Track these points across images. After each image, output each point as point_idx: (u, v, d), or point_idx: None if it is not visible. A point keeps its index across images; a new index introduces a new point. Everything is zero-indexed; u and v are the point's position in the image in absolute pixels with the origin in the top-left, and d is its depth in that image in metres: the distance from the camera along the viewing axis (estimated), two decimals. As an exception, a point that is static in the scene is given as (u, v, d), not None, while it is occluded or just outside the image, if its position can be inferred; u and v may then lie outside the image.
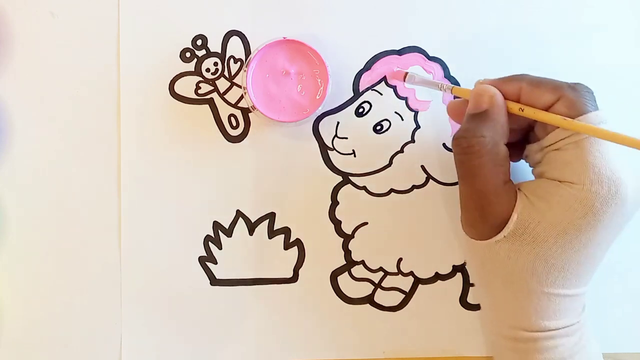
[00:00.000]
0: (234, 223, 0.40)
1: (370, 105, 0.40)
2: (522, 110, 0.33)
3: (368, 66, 0.40)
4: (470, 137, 0.33)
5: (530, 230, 0.32)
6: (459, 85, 0.40)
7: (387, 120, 0.40)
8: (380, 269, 0.40)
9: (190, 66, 0.40)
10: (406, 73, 0.39)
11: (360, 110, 0.40)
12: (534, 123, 0.34)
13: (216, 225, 0.40)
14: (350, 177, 0.40)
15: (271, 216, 0.40)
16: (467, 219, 0.35)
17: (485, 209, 0.33)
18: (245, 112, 0.40)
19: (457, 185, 0.40)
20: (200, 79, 0.40)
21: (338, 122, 0.40)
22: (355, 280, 0.40)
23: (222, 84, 0.40)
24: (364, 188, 0.40)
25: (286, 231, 0.40)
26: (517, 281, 0.33)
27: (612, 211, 0.31)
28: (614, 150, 0.31)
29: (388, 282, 0.40)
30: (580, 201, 0.31)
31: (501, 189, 0.33)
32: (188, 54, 0.40)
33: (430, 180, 0.40)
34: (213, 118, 0.40)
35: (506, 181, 0.33)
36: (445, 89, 0.37)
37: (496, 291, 0.34)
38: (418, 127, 0.40)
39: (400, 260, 0.40)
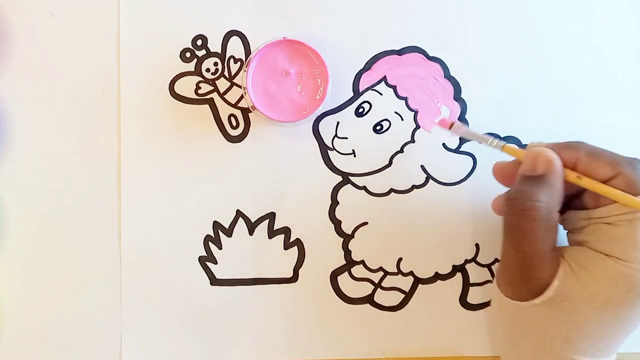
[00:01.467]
0: (234, 223, 0.40)
1: (370, 105, 0.40)
2: (580, 179, 0.32)
3: (368, 66, 0.40)
4: (526, 200, 0.32)
5: (571, 299, 0.31)
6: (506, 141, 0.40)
7: (387, 120, 0.40)
8: (380, 268, 0.40)
9: (190, 66, 0.40)
10: (452, 123, 0.37)
11: (360, 110, 0.40)
12: (582, 191, 0.34)
13: (216, 225, 0.40)
14: (350, 177, 0.40)
15: (271, 216, 0.40)
16: (506, 278, 0.34)
17: (528, 272, 0.32)
18: (245, 112, 0.40)
19: (457, 187, 0.40)
20: (200, 79, 0.40)
21: (338, 122, 0.40)
22: (355, 280, 0.40)
23: (222, 84, 0.40)
24: (364, 188, 0.40)
25: (286, 231, 0.40)
26: (548, 346, 0.32)
27: None
28: None
29: (388, 282, 0.40)
30: (626, 278, 0.31)
31: (547, 255, 0.32)
32: (188, 54, 0.40)
33: (430, 180, 0.40)
34: (213, 118, 0.40)
35: (553, 247, 0.33)
36: (495, 146, 0.35)
37: (524, 352, 0.34)
38: (418, 127, 0.40)
39: (400, 260, 0.40)
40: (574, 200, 0.35)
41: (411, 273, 0.40)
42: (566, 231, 0.36)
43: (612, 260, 0.31)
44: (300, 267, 0.40)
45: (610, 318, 0.31)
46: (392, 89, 0.40)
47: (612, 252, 0.32)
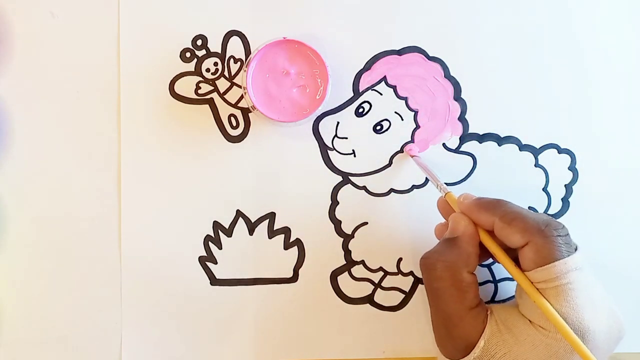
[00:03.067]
0: (234, 223, 0.40)
1: (370, 105, 0.40)
2: (495, 257, 0.34)
3: (368, 66, 0.40)
4: (434, 260, 0.33)
5: (496, 359, 0.32)
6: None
7: (387, 120, 0.40)
8: (380, 268, 0.40)
9: (190, 66, 0.40)
10: (413, 155, 0.39)
11: (360, 110, 0.40)
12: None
13: (216, 225, 0.40)
14: (350, 177, 0.40)
15: (271, 216, 0.40)
16: (436, 338, 0.35)
17: (451, 331, 0.33)
18: (245, 112, 0.40)
19: (457, 187, 0.40)
20: (200, 79, 0.40)
21: (338, 122, 0.40)
22: (355, 280, 0.40)
23: (222, 84, 0.40)
24: (364, 188, 0.40)
25: (286, 231, 0.40)
26: None
27: (577, 357, 0.31)
28: (585, 299, 0.31)
29: (388, 282, 0.40)
30: (546, 345, 0.31)
31: (465, 314, 0.33)
32: (188, 54, 0.40)
33: (431, 180, 0.40)
34: (213, 118, 0.40)
35: (472, 307, 0.33)
36: (441, 190, 0.37)
37: None
38: (418, 127, 0.40)
39: (400, 260, 0.40)
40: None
41: (411, 273, 0.40)
42: None
43: (534, 327, 0.32)
44: (300, 267, 0.40)
45: None
46: (392, 89, 0.40)
47: (533, 318, 0.32)
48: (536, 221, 0.32)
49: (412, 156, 0.40)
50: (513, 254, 0.33)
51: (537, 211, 0.40)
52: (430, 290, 0.34)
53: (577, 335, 0.30)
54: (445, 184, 0.40)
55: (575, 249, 0.32)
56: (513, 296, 0.37)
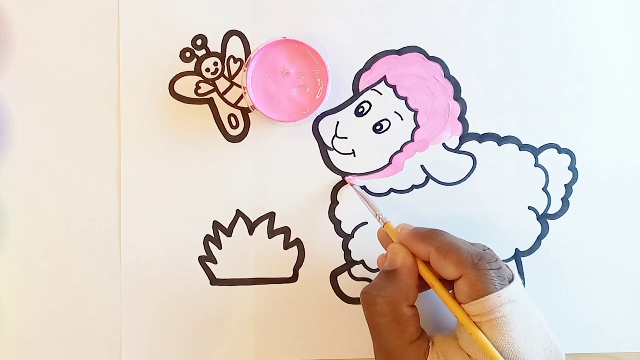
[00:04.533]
0: (234, 223, 0.40)
1: (370, 105, 0.40)
2: (433, 286, 0.33)
3: (368, 66, 0.40)
4: (374, 295, 0.33)
5: None
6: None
7: (387, 120, 0.40)
8: (380, 269, 0.40)
9: (190, 66, 0.40)
10: (352, 184, 0.39)
11: (360, 110, 0.40)
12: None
13: (216, 225, 0.40)
14: (351, 177, 0.40)
15: (271, 216, 0.40)
16: None
17: None
18: (245, 112, 0.40)
19: (457, 186, 0.40)
20: (200, 79, 0.40)
21: (338, 122, 0.40)
22: (355, 280, 0.40)
23: (222, 84, 0.40)
24: (364, 188, 0.40)
25: (286, 231, 0.40)
26: None
27: None
28: (520, 331, 0.31)
29: (388, 282, 0.40)
30: None
31: (407, 348, 0.32)
32: (188, 54, 0.40)
33: (430, 180, 0.40)
34: (213, 118, 0.40)
35: (413, 340, 0.33)
36: (380, 220, 0.36)
37: None
38: (418, 127, 0.40)
39: (400, 260, 0.40)
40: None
41: (411, 273, 0.40)
42: None
43: None
44: (300, 267, 0.40)
45: None
46: (392, 89, 0.40)
47: (471, 353, 0.32)
48: (470, 254, 0.32)
49: (351, 185, 0.39)
50: (451, 286, 0.33)
51: (537, 211, 0.40)
52: (371, 326, 0.33)
53: None
54: (445, 183, 0.40)
55: (511, 281, 0.32)
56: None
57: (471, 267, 0.31)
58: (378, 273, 0.35)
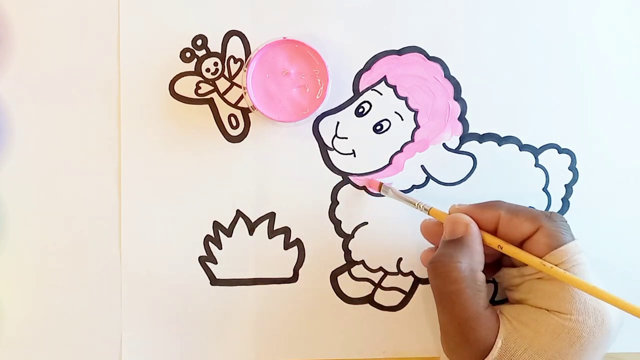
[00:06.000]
0: (234, 223, 0.40)
1: (370, 105, 0.40)
2: (501, 248, 0.34)
3: (368, 66, 0.40)
4: (447, 263, 0.33)
5: (517, 357, 0.31)
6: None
7: (387, 120, 0.40)
8: (380, 268, 0.40)
9: (190, 66, 0.40)
10: (381, 183, 0.39)
11: (360, 110, 0.40)
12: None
13: (216, 225, 0.40)
14: (350, 177, 0.40)
15: (271, 216, 0.40)
16: (448, 344, 0.34)
17: (467, 335, 0.32)
18: (245, 112, 0.40)
19: (457, 186, 0.40)
20: (200, 79, 0.40)
21: (338, 122, 0.40)
22: (355, 280, 0.40)
23: (222, 84, 0.40)
24: (364, 188, 0.40)
25: (286, 231, 0.40)
26: None
27: (598, 340, 0.31)
28: (595, 279, 0.32)
29: (388, 282, 0.40)
30: (569, 331, 0.31)
31: (482, 315, 0.32)
32: (188, 54, 0.40)
33: (430, 180, 0.40)
34: (213, 118, 0.40)
35: (486, 306, 0.33)
36: (422, 209, 0.37)
37: None
38: (418, 127, 0.40)
39: (400, 260, 0.40)
40: (505, 258, 0.36)
41: (411, 273, 0.40)
42: (505, 289, 0.36)
43: (553, 314, 0.32)
44: (300, 267, 0.40)
45: None
46: (392, 89, 0.40)
47: (550, 306, 0.32)
48: (542, 211, 0.34)
49: (379, 189, 0.39)
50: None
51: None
52: (443, 295, 0.33)
53: (597, 317, 0.31)
54: (445, 183, 0.40)
55: None
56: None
57: (546, 218, 0.33)
58: (440, 244, 0.35)
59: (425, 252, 0.37)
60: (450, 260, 0.33)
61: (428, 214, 0.37)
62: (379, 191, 0.39)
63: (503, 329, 0.32)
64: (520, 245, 0.34)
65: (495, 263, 0.37)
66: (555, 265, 0.32)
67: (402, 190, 0.40)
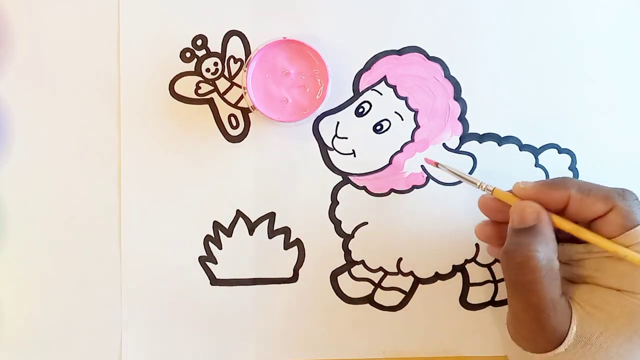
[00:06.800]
0: (234, 223, 0.40)
1: (370, 105, 0.40)
2: (575, 234, 0.33)
3: (368, 66, 0.40)
4: (524, 252, 0.32)
5: (593, 341, 0.31)
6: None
7: (387, 120, 0.40)
8: (380, 268, 0.40)
9: (190, 66, 0.40)
10: (437, 163, 0.38)
11: (360, 110, 0.40)
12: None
13: (216, 225, 0.40)
14: (350, 177, 0.40)
15: (271, 216, 0.40)
16: (522, 333, 0.33)
17: (543, 323, 0.31)
18: (245, 112, 0.40)
19: (457, 186, 0.40)
20: (200, 79, 0.40)
21: (338, 122, 0.40)
22: (355, 280, 0.40)
23: (222, 84, 0.40)
24: (364, 188, 0.40)
25: (286, 231, 0.40)
26: None
27: None
28: None
29: (388, 282, 0.40)
30: None
31: (558, 303, 0.32)
32: (188, 54, 0.40)
33: (430, 180, 0.40)
34: (213, 118, 0.40)
35: (561, 294, 0.32)
36: (484, 189, 0.35)
37: None
38: (418, 127, 0.40)
39: (400, 260, 0.40)
40: (562, 232, 0.35)
41: (411, 273, 0.40)
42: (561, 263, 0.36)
43: (627, 295, 0.31)
44: (300, 267, 0.40)
45: (636, 352, 0.31)
46: (392, 89, 0.40)
47: (622, 286, 0.32)
48: (613, 188, 0.32)
49: (435, 164, 0.38)
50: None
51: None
52: (519, 285, 0.32)
53: None
54: (445, 184, 0.40)
55: None
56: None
57: (619, 197, 0.31)
58: (509, 232, 0.34)
59: (481, 225, 0.37)
60: (527, 249, 0.32)
61: (492, 194, 0.35)
62: (436, 166, 0.38)
63: (576, 314, 0.32)
64: (590, 223, 0.33)
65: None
66: (629, 245, 0.31)
67: (403, 191, 0.40)
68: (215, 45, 0.40)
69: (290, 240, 0.40)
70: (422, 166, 0.40)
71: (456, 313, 0.40)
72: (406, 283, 0.40)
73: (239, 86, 0.40)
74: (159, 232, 0.40)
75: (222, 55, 0.40)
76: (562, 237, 0.35)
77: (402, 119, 0.40)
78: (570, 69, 0.41)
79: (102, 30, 0.40)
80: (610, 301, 0.32)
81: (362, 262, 0.40)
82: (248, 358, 0.40)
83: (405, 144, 0.40)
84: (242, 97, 0.40)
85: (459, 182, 0.40)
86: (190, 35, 0.40)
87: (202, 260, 0.40)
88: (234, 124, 0.40)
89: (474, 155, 0.40)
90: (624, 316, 0.31)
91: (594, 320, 0.31)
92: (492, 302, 0.40)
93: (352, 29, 0.40)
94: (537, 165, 0.40)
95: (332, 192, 0.40)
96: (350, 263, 0.40)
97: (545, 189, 0.33)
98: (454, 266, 0.40)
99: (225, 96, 0.40)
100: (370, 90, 0.40)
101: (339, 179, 0.40)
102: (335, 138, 0.40)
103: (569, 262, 0.35)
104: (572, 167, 0.41)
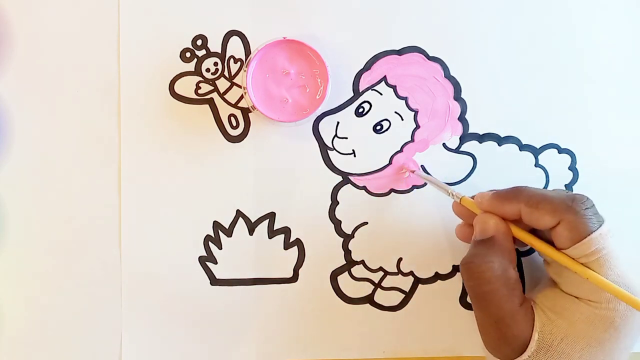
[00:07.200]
0: (234, 223, 0.40)
1: (370, 105, 0.40)
2: (532, 246, 0.33)
3: (368, 66, 0.40)
4: (479, 263, 0.33)
5: (555, 347, 0.32)
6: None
7: (387, 120, 0.40)
8: (380, 268, 0.40)
9: (190, 66, 0.40)
10: (413, 170, 0.39)
11: (360, 110, 0.40)
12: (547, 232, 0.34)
13: (216, 225, 0.40)
14: (350, 177, 0.40)
15: (271, 216, 0.40)
16: (487, 342, 0.34)
17: (504, 333, 0.32)
18: (245, 112, 0.40)
19: (457, 187, 0.40)
20: (200, 79, 0.40)
21: (338, 122, 0.40)
22: (355, 280, 0.40)
23: (222, 84, 0.40)
24: (364, 188, 0.40)
25: (286, 231, 0.40)
26: None
27: (631, 322, 0.31)
28: (624, 263, 0.32)
29: (388, 282, 0.40)
30: (601, 318, 0.31)
31: (517, 312, 0.32)
32: (188, 54, 0.40)
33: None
34: (213, 118, 0.40)
35: (521, 303, 0.33)
36: (454, 197, 0.37)
37: None
38: (418, 127, 0.40)
39: (400, 260, 0.40)
40: (540, 231, 0.35)
41: (411, 273, 0.40)
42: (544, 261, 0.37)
43: (584, 303, 0.32)
44: (300, 267, 0.40)
45: (598, 356, 0.31)
46: (392, 89, 0.40)
47: (580, 294, 0.32)
48: (562, 199, 0.32)
49: (411, 172, 0.39)
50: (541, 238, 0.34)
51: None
52: (478, 295, 0.33)
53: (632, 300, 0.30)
54: (445, 184, 0.40)
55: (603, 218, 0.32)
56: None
57: (567, 210, 0.31)
58: (471, 243, 0.35)
59: (459, 226, 0.38)
60: (482, 260, 0.33)
61: (460, 202, 0.36)
62: (412, 173, 0.39)
63: (538, 321, 0.32)
64: (549, 231, 0.33)
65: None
66: (581, 257, 0.31)
67: (403, 191, 0.40)
68: (215, 45, 0.40)
69: (290, 240, 0.40)
70: (422, 166, 0.40)
71: (456, 313, 0.40)
72: (406, 283, 0.40)
73: (239, 86, 0.40)
74: (159, 232, 0.40)
75: (222, 55, 0.40)
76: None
77: (402, 119, 0.40)
78: (570, 69, 0.41)
79: (102, 30, 0.40)
80: (569, 308, 0.32)
81: (362, 262, 0.40)
82: (248, 358, 0.40)
83: (405, 144, 0.40)
84: (242, 97, 0.40)
85: (459, 182, 0.40)
86: (190, 35, 0.40)
87: (202, 260, 0.40)
88: (234, 124, 0.40)
89: (474, 155, 0.40)
90: (581, 323, 0.32)
91: (555, 327, 0.32)
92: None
93: (352, 29, 0.40)
94: (537, 165, 0.40)
95: (332, 192, 0.40)
96: (350, 263, 0.40)
97: (498, 202, 0.34)
98: (454, 266, 0.40)
99: (225, 96, 0.40)
100: (370, 90, 0.40)
101: (339, 179, 0.40)
102: (335, 138, 0.40)
103: (544, 259, 0.36)
104: (572, 167, 0.41)
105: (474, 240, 0.35)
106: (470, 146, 0.40)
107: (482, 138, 0.40)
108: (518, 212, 0.33)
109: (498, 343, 0.33)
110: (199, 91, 0.40)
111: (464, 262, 0.34)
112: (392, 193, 0.40)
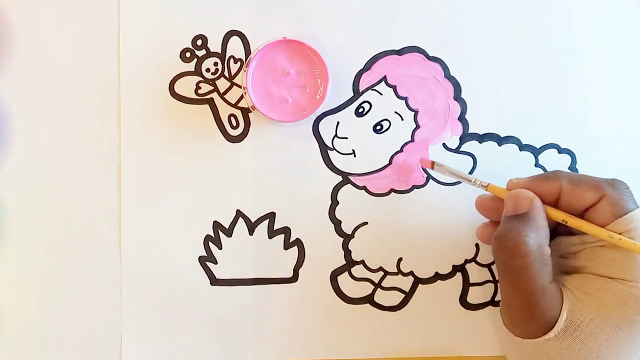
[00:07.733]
0: (234, 223, 0.40)
1: (370, 105, 0.40)
2: (566, 222, 0.33)
3: (368, 66, 0.40)
4: (514, 237, 0.32)
5: (583, 328, 0.31)
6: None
7: (387, 120, 0.40)
8: (380, 268, 0.40)
9: (190, 66, 0.40)
10: (433, 162, 0.38)
11: (360, 110, 0.40)
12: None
13: (216, 225, 0.40)
14: (350, 177, 0.40)
15: (271, 216, 0.40)
16: (512, 318, 0.34)
17: (533, 309, 0.32)
18: (245, 112, 0.40)
19: (457, 186, 0.40)
20: (200, 79, 0.40)
21: (338, 122, 0.40)
22: (355, 280, 0.40)
23: (222, 84, 0.40)
24: (364, 188, 0.40)
25: (286, 231, 0.40)
26: None
27: None
28: None
29: (388, 282, 0.40)
30: (635, 299, 0.31)
31: (548, 288, 0.32)
32: (188, 54, 0.40)
33: (430, 180, 0.40)
34: (213, 118, 0.40)
35: (551, 280, 0.33)
36: (479, 185, 0.36)
37: None
38: (418, 127, 0.40)
39: (400, 260, 0.40)
40: (560, 226, 0.35)
41: (411, 273, 0.40)
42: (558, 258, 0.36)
43: (618, 283, 0.32)
44: (300, 267, 0.40)
45: (625, 340, 0.31)
46: (392, 89, 0.40)
47: (614, 274, 0.32)
48: (604, 178, 0.33)
49: (432, 163, 0.39)
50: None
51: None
52: (509, 270, 0.32)
53: None
54: (445, 184, 0.40)
55: None
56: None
57: (609, 186, 0.32)
58: (502, 219, 0.34)
59: (481, 227, 0.38)
60: (517, 234, 0.32)
61: (485, 190, 0.36)
62: (432, 168, 0.39)
63: (567, 300, 0.32)
64: (583, 213, 0.33)
65: (550, 232, 0.36)
66: (620, 233, 0.31)
67: (403, 191, 0.40)
68: (215, 45, 0.40)
69: (290, 240, 0.40)
70: (421, 166, 0.40)
71: (456, 313, 0.40)
72: (406, 283, 0.40)
73: (239, 86, 0.40)
74: (159, 232, 0.40)
75: (222, 55, 0.40)
76: (560, 231, 0.36)
77: (402, 119, 0.40)
78: (570, 69, 0.41)
79: (102, 30, 0.40)
80: (601, 288, 0.32)
81: (362, 262, 0.40)
82: (248, 358, 0.40)
83: (405, 144, 0.40)
84: (242, 97, 0.40)
85: (459, 182, 0.40)
86: (190, 35, 0.40)
87: (202, 260, 0.40)
88: (234, 124, 0.40)
89: (474, 155, 0.40)
90: (614, 303, 0.31)
91: (585, 307, 0.32)
92: (492, 302, 0.40)
93: (352, 29, 0.40)
94: (537, 165, 0.40)
95: (332, 192, 0.40)
96: (350, 263, 0.40)
97: (537, 181, 0.34)
98: (454, 266, 0.40)
99: (225, 96, 0.40)
100: (370, 90, 0.40)
101: (339, 179, 0.40)
102: (335, 138, 0.40)
103: (565, 255, 0.36)
104: (572, 167, 0.41)
105: (505, 216, 0.34)
106: (470, 146, 0.40)
107: (482, 138, 0.40)
108: (557, 191, 0.33)
109: (524, 319, 0.33)
110: (199, 91, 0.40)
111: (497, 235, 0.33)
112: (392, 193, 0.40)
